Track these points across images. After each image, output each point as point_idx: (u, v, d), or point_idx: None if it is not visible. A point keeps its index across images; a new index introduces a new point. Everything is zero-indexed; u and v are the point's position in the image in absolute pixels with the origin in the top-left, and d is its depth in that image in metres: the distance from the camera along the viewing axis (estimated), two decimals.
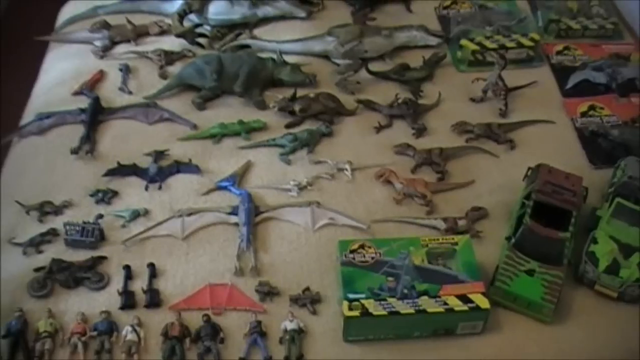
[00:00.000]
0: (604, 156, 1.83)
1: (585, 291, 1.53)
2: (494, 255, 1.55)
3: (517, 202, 1.63)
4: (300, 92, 1.90)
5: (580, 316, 1.49)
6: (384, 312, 1.37)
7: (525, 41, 2.08)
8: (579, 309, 1.50)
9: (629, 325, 1.48)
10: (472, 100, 1.97)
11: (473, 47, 2.06)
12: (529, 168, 1.68)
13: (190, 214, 1.64)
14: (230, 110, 1.92)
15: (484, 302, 1.40)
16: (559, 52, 2.14)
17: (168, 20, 2.18)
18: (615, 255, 1.51)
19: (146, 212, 1.66)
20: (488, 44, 2.07)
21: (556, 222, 1.52)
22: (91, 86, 2.00)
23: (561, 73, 2.08)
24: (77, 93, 1.98)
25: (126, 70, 2.05)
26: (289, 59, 2.02)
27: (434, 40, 2.12)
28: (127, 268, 1.54)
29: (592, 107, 1.96)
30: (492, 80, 1.93)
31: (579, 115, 1.94)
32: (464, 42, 2.08)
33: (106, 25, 2.18)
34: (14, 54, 3.27)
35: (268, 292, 1.49)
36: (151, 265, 1.54)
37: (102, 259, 1.56)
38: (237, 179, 1.72)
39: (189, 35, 2.11)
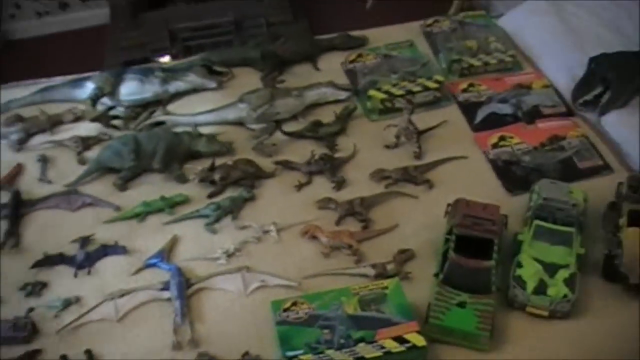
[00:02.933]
0: (519, 183, 1.89)
1: (517, 314, 1.57)
2: (425, 294, 1.58)
3: (441, 239, 1.67)
4: (219, 161, 1.93)
5: (516, 339, 1.53)
6: None
7: (431, 84, 2.15)
8: (514, 333, 1.54)
9: (564, 341, 1.52)
10: (387, 147, 2.02)
11: (381, 96, 2.12)
12: (448, 204, 1.72)
13: (122, 295, 1.63)
14: (152, 188, 1.93)
15: (420, 340, 1.43)
16: (464, 90, 2.22)
17: (81, 106, 2.19)
18: (541, 276, 1.56)
19: (77, 300, 1.65)
20: (395, 91, 2.13)
21: (480, 252, 1.57)
22: (10, 181, 1.98)
23: (469, 109, 2.15)
24: None
25: (44, 160, 2.04)
26: (204, 130, 2.05)
27: (343, 94, 2.17)
28: (63, 358, 1.52)
29: (502, 138, 2.02)
30: (403, 125, 1.99)
31: (491, 147, 2.00)
32: (371, 92, 2.13)
33: (20, 118, 2.17)
34: None
35: None
36: (88, 352, 1.53)
37: (37, 352, 1.54)
38: (165, 254, 1.73)
39: (103, 118, 2.13)
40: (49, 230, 1.84)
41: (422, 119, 2.04)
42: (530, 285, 1.55)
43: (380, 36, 2.46)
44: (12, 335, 1.56)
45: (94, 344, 1.55)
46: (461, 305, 1.51)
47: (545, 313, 1.55)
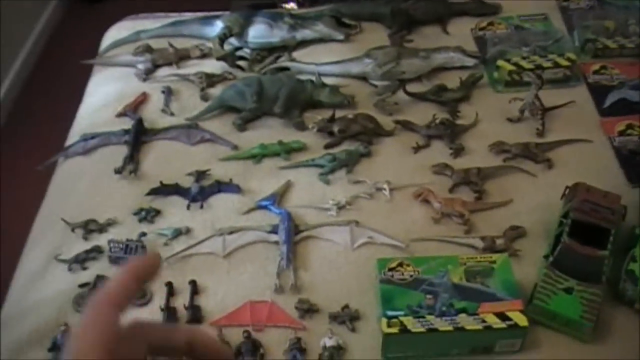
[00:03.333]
0: None
1: (624, 310, 1.52)
2: (532, 274, 1.55)
3: (555, 221, 1.63)
4: (339, 113, 1.92)
5: (620, 335, 1.48)
6: (423, 330, 1.38)
7: (562, 61, 2.08)
8: (619, 328, 1.49)
9: None
10: (509, 120, 1.97)
11: (510, 67, 2.07)
12: (567, 187, 1.68)
13: (231, 233, 1.66)
14: (270, 132, 1.95)
15: (522, 320, 1.40)
16: (595, 72, 2.14)
17: (209, 44, 2.21)
18: None
19: (188, 231, 1.69)
20: (525, 64, 2.07)
21: (594, 240, 1.52)
22: (134, 108, 2.04)
23: (598, 92, 2.07)
24: (120, 115, 2.03)
25: (168, 92, 2.09)
26: (328, 80, 2.04)
27: (470, 62, 2.13)
28: (169, 285, 1.57)
29: (630, 126, 1.94)
30: (529, 100, 1.94)
31: (617, 134, 1.93)
32: (500, 62, 2.08)
33: (149, 49, 2.22)
34: (60, 77, 3.36)
35: (307, 310, 1.51)
36: (193, 283, 1.57)
37: None
38: (277, 198, 1.75)
39: (230, 58, 2.15)
40: (166, 161, 1.89)
41: (549, 96, 1.97)
42: None
43: (514, 6, 2.38)
44: (123, 256, 1.62)
45: (199, 275, 1.59)
46: (568, 291, 1.47)
47: None
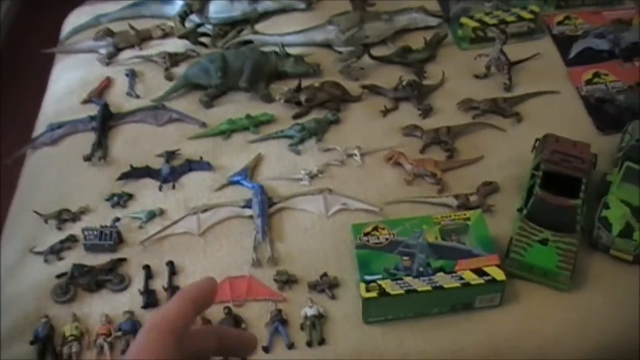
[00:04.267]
0: (611, 122, 1.82)
1: (600, 256, 1.53)
2: (507, 228, 1.56)
3: (526, 174, 1.63)
4: (305, 83, 1.91)
5: (598, 282, 1.49)
6: (401, 291, 1.39)
7: (525, 14, 2.08)
8: (596, 275, 1.50)
9: None
10: (476, 77, 1.97)
11: (473, 24, 2.06)
12: (537, 139, 1.68)
13: (205, 210, 1.65)
14: (238, 106, 1.93)
15: (499, 275, 1.41)
16: (559, 23, 2.14)
17: (170, 23, 2.19)
18: (628, 219, 1.51)
19: (162, 212, 1.68)
20: (488, 20, 2.07)
21: (567, 190, 1.52)
22: (99, 93, 2.02)
23: (563, 43, 2.07)
24: (86, 101, 2.00)
25: (132, 75, 2.07)
26: (292, 50, 2.03)
27: (434, 21, 2.12)
28: (146, 268, 1.56)
29: (596, 75, 1.95)
30: (495, 56, 1.93)
31: (584, 84, 1.93)
32: (464, 20, 2.08)
33: (109, 33, 2.20)
34: (23, 67, 3.31)
35: (286, 281, 1.51)
36: (170, 263, 1.56)
37: (122, 260, 1.58)
38: (249, 172, 1.74)
39: (192, 35, 2.13)
40: (135, 144, 1.87)
41: (514, 50, 1.97)
42: (616, 228, 1.50)
43: None
44: (99, 243, 1.60)
45: (175, 256, 1.59)
46: (543, 242, 1.48)
47: (630, 257, 1.50)
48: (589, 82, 1.94)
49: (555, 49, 2.07)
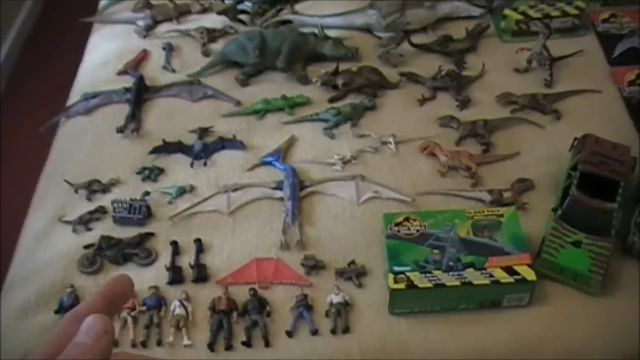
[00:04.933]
0: None
1: (633, 263, 1.50)
2: (540, 227, 1.53)
3: (563, 173, 1.60)
4: (343, 66, 1.89)
5: (629, 288, 1.46)
6: (430, 285, 1.37)
7: (570, 9, 2.04)
8: (627, 281, 1.47)
9: None
10: (517, 70, 1.94)
11: (517, 16, 2.03)
12: (575, 138, 1.65)
13: (235, 190, 1.65)
14: (274, 86, 1.92)
15: (530, 274, 1.39)
16: (604, 20, 2.10)
17: None
18: None
19: (192, 189, 1.67)
20: (532, 13, 2.03)
21: (603, 193, 1.50)
22: (135, 66, 2.01)
23: (607, 41, 2.03)
24: (121, 73, 2.00)
25: (169, 48, 2.06)
26: (331, 33, 2.01)
27: (476, 11, 2.09)
28: (174, 244, 1.55)
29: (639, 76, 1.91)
30: (537, 50, 1.90)
31: (627, 84, 1.89)
32: (507, 11, 2.05)
33: (148, 5, 2.19)
34: (60, 36, 3.32)
35: (314, 266, 1.50)
36: (198, 241, 1.56)
37: (150, 235, 1.58)
38: (282, 154, 1.72)
39: (231, 12, 2.12)
40: (168, 119, 1.87)
41: (557, 46, 1.93)
42: None
43: None
44: (127, 216, 1.60)
45: (203, 233, 1.58)
46: (576, 244, 1.45)
47: None
48: (632, 83, 1.90)
49: (599, 47, 2.02)
